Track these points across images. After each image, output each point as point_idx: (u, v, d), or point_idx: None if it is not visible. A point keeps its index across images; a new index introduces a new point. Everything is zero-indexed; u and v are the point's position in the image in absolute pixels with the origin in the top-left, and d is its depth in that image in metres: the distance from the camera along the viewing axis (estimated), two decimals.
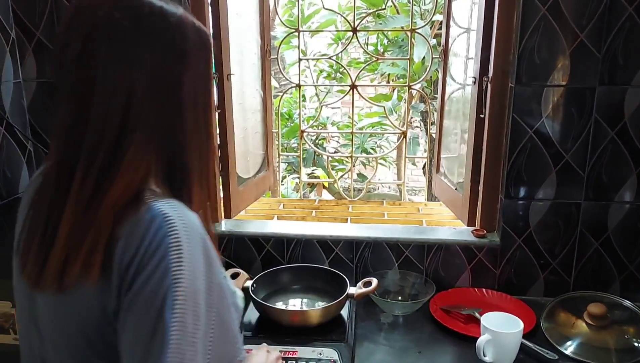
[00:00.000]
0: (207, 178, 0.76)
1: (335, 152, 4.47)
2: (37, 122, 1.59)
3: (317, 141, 4.29)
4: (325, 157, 3.88)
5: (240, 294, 0.85)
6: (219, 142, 1.65)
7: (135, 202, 0.65)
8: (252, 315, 1.37)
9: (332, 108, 4.65)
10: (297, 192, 4.04)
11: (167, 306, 0.60)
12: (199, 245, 0.65)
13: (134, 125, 0.66)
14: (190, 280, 0.62)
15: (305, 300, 1.44)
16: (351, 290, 1.35)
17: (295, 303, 1.43)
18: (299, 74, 1.97)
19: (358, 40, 1.92)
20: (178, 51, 0.70)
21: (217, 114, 1.62)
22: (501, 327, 1.22)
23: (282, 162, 4.27)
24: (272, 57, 1.96)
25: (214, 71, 1.59)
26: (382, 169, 5.29)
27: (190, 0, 1.50)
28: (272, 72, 2.07)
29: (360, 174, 4.39)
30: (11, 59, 1.54)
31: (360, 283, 1.37)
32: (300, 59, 1.98)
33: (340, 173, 4.04)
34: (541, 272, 1.55)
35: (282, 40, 2.01)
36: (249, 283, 1.39)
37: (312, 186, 4.22)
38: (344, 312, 1.38)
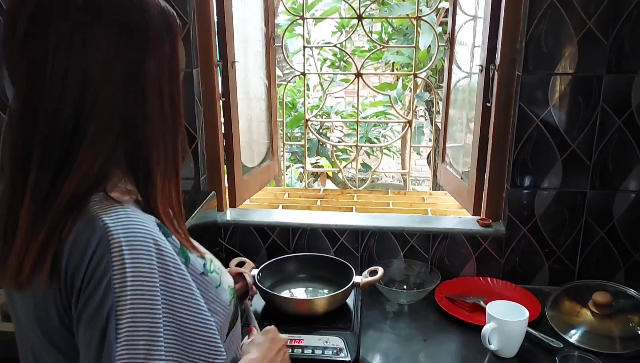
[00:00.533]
0: (173, 176, 0.70)
1: (339, 141, 4.47)
2: None
3: (320, 131, 4.28)
4: (329, 146, 3.88)
5: (229, 283, 0.81)
6: (223, 131, 1.65)
7: (83, 206, 0.61)
8: (258, 303, 1.38)
9: (336, 97, 4.63)
10: (301, 181, 4.05)
11: (110, 326, 0.58)
12: (148, 255, 0.60)
13: (89, 115, 0.61)
14: (138, 296, 0.59)
15: (311, 289, 1.44)
16: (357, 278, 1.35)
17: (301, 292, 1.43)
18: (304, 63, 1.96)
19: (363, 28, 1.91)
20: (139, 34, 0.63)
21: (221, 102, 1.62)
22: (506, 316, 1.23)
23: (286, 151, 4.26)
24: (276, 45, 1.95)
25: (218, 59, 1.59)
26: (386, 159, 5.28)
27: None
28: (276, 61, 2.06)
29: (364, 164, 4.39)
30: None
31: (365, 272, 1.38)
32: (304, 47, 1.97)
33: (344, 163, 4.04)
34: (546, 261, 1.55)
35: (287, 28, 2.00)
36: (254, 272, 1.39)
37: (315, 175, 4.22)
38: (350, 301, 1.38)
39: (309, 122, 2.05)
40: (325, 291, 1.40)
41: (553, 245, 1.53)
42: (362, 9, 1.89)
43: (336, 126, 4.49)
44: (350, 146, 3.78)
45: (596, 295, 1.35)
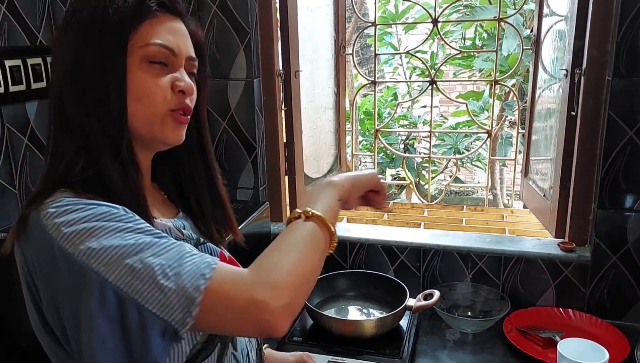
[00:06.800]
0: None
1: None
2: None
3: (407, 141, 4.16)
4: (418, 159, 3.74)
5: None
6: (285, 141, 1.62)
7: None
8: (306, 321, 1.32)
9: (424, 107, 4.47)
10: None
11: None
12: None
13: None
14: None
15: (362, 309, 1.36)
16: (410, 301, 1.25)
17: (352, 312, 1.35)
18: (375, 71, 1.89)
19: (438, 32, 1.80)
20: None
21: (283, 112, 1.59)
22: (581, 356, 1.05)
23: (369, 162, 4.16)
24: (365, 55, 1.90)
25: (281, 68, 1.56)
26: (479, 173, 4.99)
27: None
28: (367, 71, 2.01)
29: (456, 178, 4.18)
30: None
31: (420, 295, 1.27)
32: (375, 54, 1.89)
33: (432, 175, 3.87)
34: None
35: (355, 36, 1.93)
36: None
37: (400, 187, 4.09)
38: (404, 324, 1.28)
39: (395, 134, 1.96)
40: (376, 312, 1.31)
41: None
42: (441, 12, 1.77)
43: (424, 137, 4.33)
44: (425, 158, 3.62)
45: None
